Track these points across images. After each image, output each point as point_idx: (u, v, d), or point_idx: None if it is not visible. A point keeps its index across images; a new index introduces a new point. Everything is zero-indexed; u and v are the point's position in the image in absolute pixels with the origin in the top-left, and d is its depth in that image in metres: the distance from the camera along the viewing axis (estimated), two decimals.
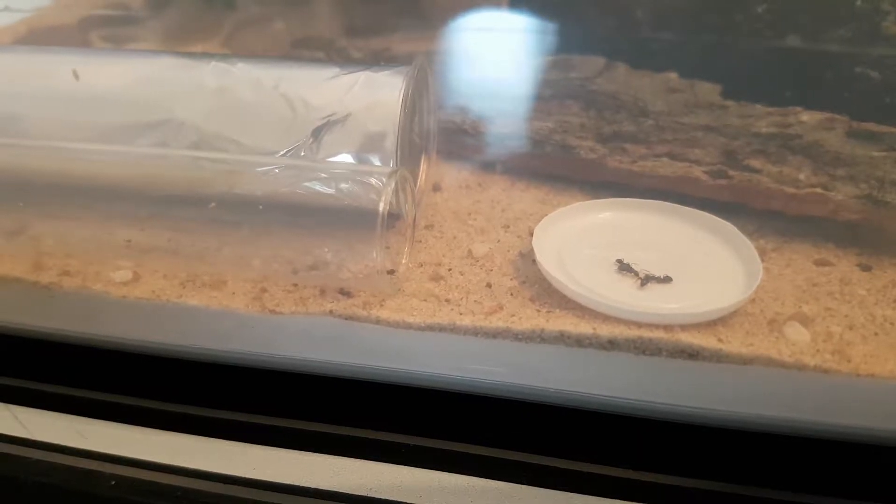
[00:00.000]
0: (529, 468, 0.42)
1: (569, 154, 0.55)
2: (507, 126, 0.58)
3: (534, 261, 0.45)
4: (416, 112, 0.53)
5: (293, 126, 0.47)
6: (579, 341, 0.41)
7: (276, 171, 0.44)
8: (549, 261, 0.44)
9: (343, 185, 0.42)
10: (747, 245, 0.45)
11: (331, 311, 0.43)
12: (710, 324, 0.41)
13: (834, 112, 0.52)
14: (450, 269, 0.47)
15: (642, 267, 0.44)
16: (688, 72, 0.57)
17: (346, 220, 0.42)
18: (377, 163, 0.47)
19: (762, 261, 0.44)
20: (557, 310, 0.43)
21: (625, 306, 0.41)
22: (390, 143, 0.47)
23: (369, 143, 0.47)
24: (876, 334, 0.41)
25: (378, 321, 0.43)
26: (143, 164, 0.47)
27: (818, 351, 0.40)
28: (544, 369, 0.43)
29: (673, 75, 0.58)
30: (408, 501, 0.41)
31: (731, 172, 0.51)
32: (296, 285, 0.45)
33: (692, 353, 0.40)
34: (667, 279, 0.44)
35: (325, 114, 0.47)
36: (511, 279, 0.46)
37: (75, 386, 0.48)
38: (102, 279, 0.47)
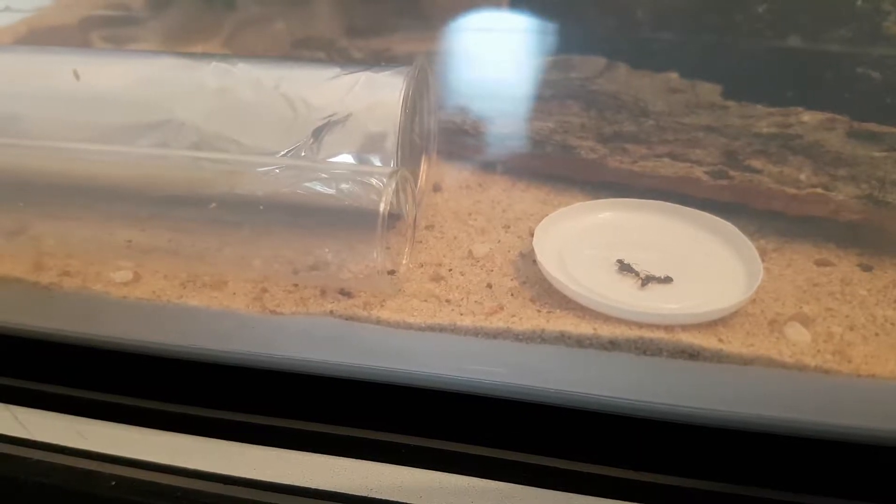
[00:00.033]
0: (529, 468, 0.42)
1: (569, 154, 0.55)
2: (508, 126, 0.58)
3: (534, 261, 0.45)
4: (416, 112, 0.53)
5: (294, 126, 0.47)
6: (580, 342, 0.41)
7: (277, 171, 0.44)
8: (550, 261, 0.44)
9: (344, 186, 0.42)
10: (748, 245, 0.45)
11: (331, 312, 0.43)
12: (711, 324, 0.41)
13: (835, 112, 0.52)
14: (450, 270, 0.47)
15: (643, 267, 0.44)
16: (688, 72, 0.57)
17: (346, 220, 0.42)
18: (378, 163, 0.47)
19: (763, 261, 0.44)
20: (558, 310, 0.43)
21: (625, 306, 0.41)
22: (391, 143, 0.46)
23: (370, 144, 0.47)
24: (877, 335, 0.41)
25: (378, 321, 0.43)
26: (144, 165, 0.47)
27: (819, 351, 0.40)
28: (545, 370, 0.43)
29: (674, 75, 0.58)
30: (408, 502, 0.41)
31: (731, 173, 0.51)
32: (296, 285, 0.45)
33: (693, 354, 0.40)
34: (667, 279, 0.43)
35: (325, 114, 0.47)
36: (512, 279, 0.46)
37: (75, 386, 0.48)
38: (103, 279, 0.47)
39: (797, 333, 0.41)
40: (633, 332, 0.41)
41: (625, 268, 0.44)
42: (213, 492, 0.42)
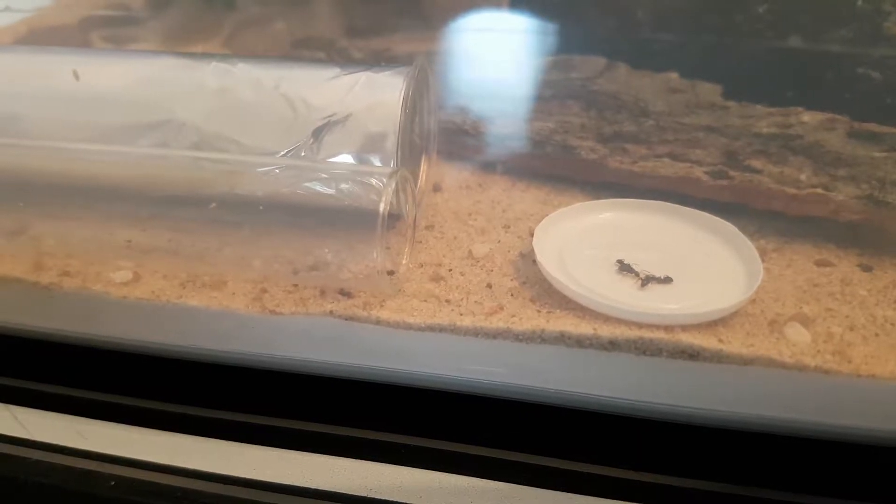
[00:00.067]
0: (529, 468, 0.42)
1: (569, 154, 0.55)
2: (508, 126, 0.58)
3: (534, 261, 0.45)
4: (416, 112, 0.53)
5: (294, 126, 0.47)
6: (580, 342, 0.41)
7: (277, 171, 0.44)
8: (550, 261, 0.44)
9: (343, 186, 0.42)
10: (748, 245, 0.45)
11: (331, 312, 0.43)
12: (711, 324, 0.41)
13: (835, 112, 0.52)
14: (450, 270, 0.47)
15: (643, 267, 0.44)
16: (689, 72, 0.57)
17: (346, 220, 0.42)
18: (378, 163, 0.47)
19: (763, 261, 0.44)
20: (558, 310, 0.43)
21: (625, 307, 0.41)
22: (391, 143, 0.46)
23: (370, 144, 0.47)
24: (877, 335, 0.41)
25: (378, 322, 0.43)
26: (144, 165, 0.47)
27: (819, 351, 0.40)
28: (545, 370, 0.43)
29: (674, 76, 0.58)
30: (407, 502, 0.41)
31: (731, 173, 0.51)
32: (296, 286, 0.45)
33: (693, 354, 0.40)
34: (667, 280, 0.43)
35: (325, 114, 0.47)
36: (511, 280, 0.46)
37: (75, 386, 0.48)
38: (102, 279, 0.47)
39: (797, 334, 0.41)
40: (633, 333, 0.40)
41: (625, 268, 0.44)
42: (213, 492, 0.42)
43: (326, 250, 0.43)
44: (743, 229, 0.46)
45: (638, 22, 0.61)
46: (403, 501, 0.41)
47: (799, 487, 0.41)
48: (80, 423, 0.46)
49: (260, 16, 0.74)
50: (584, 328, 0.41)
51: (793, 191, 0.49)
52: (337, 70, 0.49)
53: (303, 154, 0.47)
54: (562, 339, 0.41)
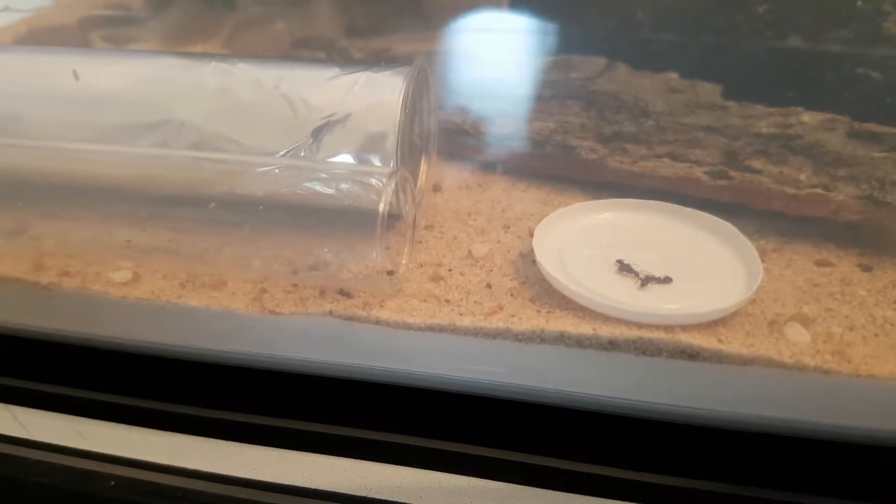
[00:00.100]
0: (529, 468, 0.42)
1: (569, 154, 0.55)
2: (508, 126, 0.58)
3: (534, 261, 0.45)
4: (416, 112, 0.53)
5: (293, 126, 0.47)
6: (579, 342, 0.41)
7: (277, 171, 0.44)
8: (550, 261, 0.44)
9: (343, 186, 0.42)
10: (748, 245, 0.45)
11: (331, 312, 0.43)
12: (711, 324, 0.41)
13: (835, 112, 0.52)
14: (450, 270, 0.47)
15: (643, 267, 0.44)
16: (689, 72, 0.57)
17: (346, 220, 0.42)
18: (377, 163, 0.47)
19: (763, 261, 0.44)
20: (558, 310, 0.43)
21: (625, 307, 0.41)
22: (391, 143, 0.46)
23: (370, 144, 0.47)
24: (876, 335, 0.41)
25: (378, 322, 0.43)
26: (144, 165, 0.47)
27: (818, 352, 0.40)
28: (544, 370, 0.43)
29: (674, 76, 0.58)
30: (407, 502, 0.41)
31: (731, 173, 0.51)
32: (296, 286, 0.45)
33: (692, 354, 0.40)
34: (667, 280, 0.43)
35: (325, 114, 0.47)
36: (511, 280, 0.46)
37: (75, 386, 0.48)
38: (102, 279, 0.47)
39: (797, 334, 0.41)
40: (633, 333, 0.41)
41: (624, 268, 0.44)
42: (213, 492, 0.42)
43: (326, 250, 0.43)
44: (743, 229, 0.46)
45: (638, 22, 0.61)
46: (403, 501, 0.41)
47: (799, 487, 0.41)
48: (80, 423, 0.46)
49: (260, 16, 0.74)
50: (584, 328, 0.41)
51: (793, 191, 0.49)
52: (337, 70, 0.49)
53: (302, 154, 0.47)
54: (561, 339, 0.41)
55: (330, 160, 0.47)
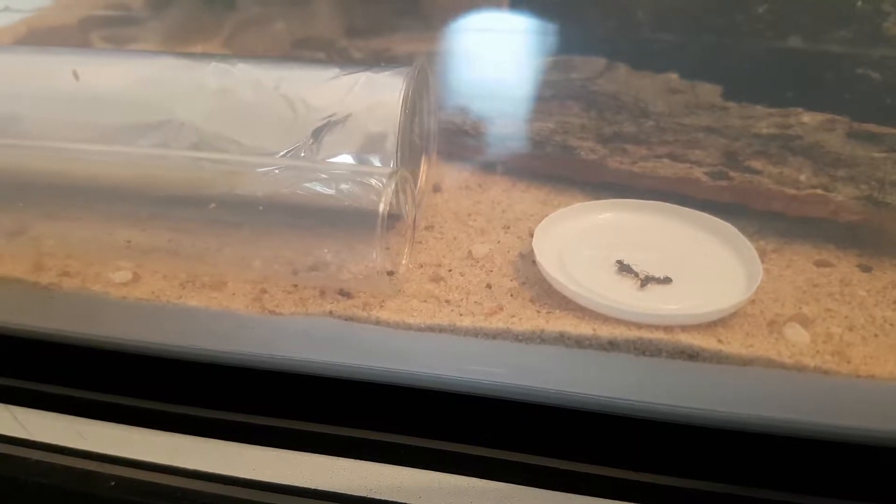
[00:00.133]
0: (529, 469, 0.42)
1: (569, 155, 0.55)
2: (508, 127, 0.58)
3: (534, 262, 0.45)
4: (416, 113, 0.53)
5: (294, 127, 0.47)
6: (579, 342, 0.41)
7: (277, 171, 0.44)
8: (550, 262, 0.44)
9: (343, 186, 0.42)
10: (747, 246, 0.45)
11: (331, 312, 0.43)
12: (710, 325, 0.41)
13: (835, 113, 0.52)
14: (450, 270, 0.47)
15: (642, 268, 0.44)
16: (689, 73, 0.57)
17: (346, 220, 0.42)
18: (377, 163, 0.47)
19: (762, 262, 0.44)
20: (557, 311, 0.43)
21: (625, 307, 0.41)
22: (391, 143, 0.46)
23: (370, 144, 0.47)
24: (876, 335, 0.41)
25: (378, 322, 0.43)
26: (144, 165, 0.47)
27: (818, 352, 0.40)
28: (544, 370, 0.43)
29: (674, 76, 0.58)
30: (408, 502, 0.41)
31: (731, 173, 0.51)
32: (296, 286, 0.45)
33: (692, 354, 0.40)
34: (667, 280, 0.44)
35: (325, 114, 0.47)
36: (511, 280, 0.46)
37: (75, 386, 0.48)
38: (102, 280, 0.47)
39: (796, 334, 0.41)
40: (633, 333, 0.41)
41: (624, 268, 0.44)
42: (213, 492, 0.42)
43: (326, 251, 0.43)
44: (742, 230, 0.46)
45: (638, 22, 0.61)
46: (403, 501, 0.41)
47: (798, 488, 0.41)
48: (80, 423, 0.46)
49: (260, 16, 0.74)
50: (584, 328, 0.41)
51: (792, 191, 0.49)
52: (337, 70, 0.49)
53: (302, 154, 0.47)
54: (561, 339, 0.41)
55: (330, 160, 0.47)
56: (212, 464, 0.43)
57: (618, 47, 0.60)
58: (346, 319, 0.43)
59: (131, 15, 0.77)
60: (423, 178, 0.56)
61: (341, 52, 0.67)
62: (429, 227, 0.51)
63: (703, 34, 0.59)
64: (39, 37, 0.71)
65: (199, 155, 0.47)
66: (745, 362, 0.40)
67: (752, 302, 0.43)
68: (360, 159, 0.47)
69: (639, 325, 0.41)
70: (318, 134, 0.47)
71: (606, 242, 0.47)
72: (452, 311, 0.43)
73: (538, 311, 0.43)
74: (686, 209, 0.49)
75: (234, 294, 0.45)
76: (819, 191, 0.48)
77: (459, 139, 0.58)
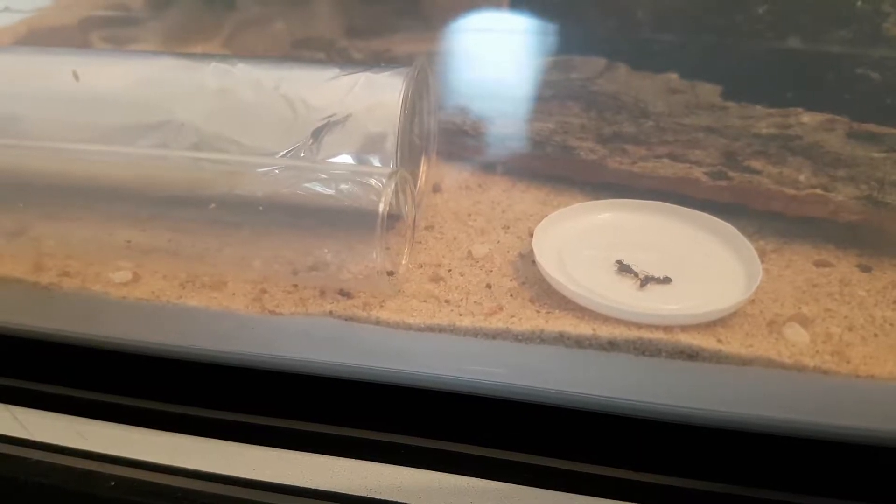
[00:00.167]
0: (529, 469, 0.42)
1: (569, 155, 0.55)
2: (508, 127, 0.58)
3: (534, 262, 0.45)
4: (416, 113, 0.53)
5: (293, 127, 0.47)
6: (579, 342, 0.41)
7: (277, 171, 0.44)
8: (549, 262, 0.44)
9: (343, 186, 0.42)
10: (747, 246, 0.45)
11: (331, 312, 0.43)
12: (710, 325, 0.41)
13: (834, 113, 0.52)
14: (450, 270, 0.47)
15: (642, 268, 0.44)
16: (688, 73, 0.57)
17: (346, 220, 0.42)
18: (377, 164, 0.47)
19: (762, 262, 0.44)
20: (557, 311, 0.43)
21: (624, 307, 0.41)
22: (390, 143, 0.47)
23: (369, 144, 0.47)
24: (875, 335, 0.41)
25: (378, 322, 0.43)
26: (144, 165, 0.47)
27: (817, 352, 0.40)
28: (544, 370, 0.43)
29: (674, 76, 0.58)
30: (407, 502, 0.41)
31: (731, 174, 0.51)
32: (296, 286, 0.45)
33: (692, 354, 0.40)
34: (666, 280, 0.44)
35: (325, 115, 0.47)
36: (511, 280, 0.46)
37: (75, 386, 0.48)
38: (102, 280, 0.47)
39: (796, 334, 0.41)
40: (632, 333, 0.41)
41: (624, 268, 0.44)
42: (213, 492, 0.42)
43: (326, 251, 0.43)
44: (742, 230, 0.46)
45: (638, 22, 0.61)
46: (403, 501, 0.41)
47: (798, 488, 0.41)
48: (80, 423, 0.46)
49: (260, 16, 0.74)
50: (584, 328, 0.41)
51: (792, 191, 0.49)
52: (336, 71, 0.49)
53: (302, 154, 0.47)
54: (561, 339, 0.41)
55: (330, 161, 0.47)
56: (212, 464, 0.43)
57: (618, 47, 0.60)
58: (346, 319, 0.43)
59: (131, 15, 0.77)
60: (423, 178, 0.56)
61: (341, 52, 0.67)
62: (429, 227, 0.51)
63: (703, 34, 0.59)
64: (39, 37, 0.71)
65: (199, 155, 0.47)
66: (744, 362, 0.40)
67: (751, 302, 0.43)
68: (360, 159, 0.47)
69: (638, 325, 0.41)
70: (318, 134, 0.47)
71: (606, 242, 0.47)
72: (452, 311, 0.43)
73: (538, 311, 0.43)
74: (686, 209, 0.49)
75: (234, 294, 0.45)
76: (819, 191, 0.48)
77: (459, 139, 0.58)
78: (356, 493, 0.41)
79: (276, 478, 0.42)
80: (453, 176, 0.58)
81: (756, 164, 0.51)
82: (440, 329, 0.42)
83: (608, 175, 0.54)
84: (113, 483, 0.42)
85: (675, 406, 0.42)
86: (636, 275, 0.44)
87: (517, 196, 0.55)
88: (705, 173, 0.51)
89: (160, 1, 0.76)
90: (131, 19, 0.77)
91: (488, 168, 0.58)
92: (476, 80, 0.62)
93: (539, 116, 0.57)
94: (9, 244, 0.47)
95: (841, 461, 0.42)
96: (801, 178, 0.49)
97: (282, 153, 0.47)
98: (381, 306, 0.43)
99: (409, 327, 0.43)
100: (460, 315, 0.43)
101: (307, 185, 0.43)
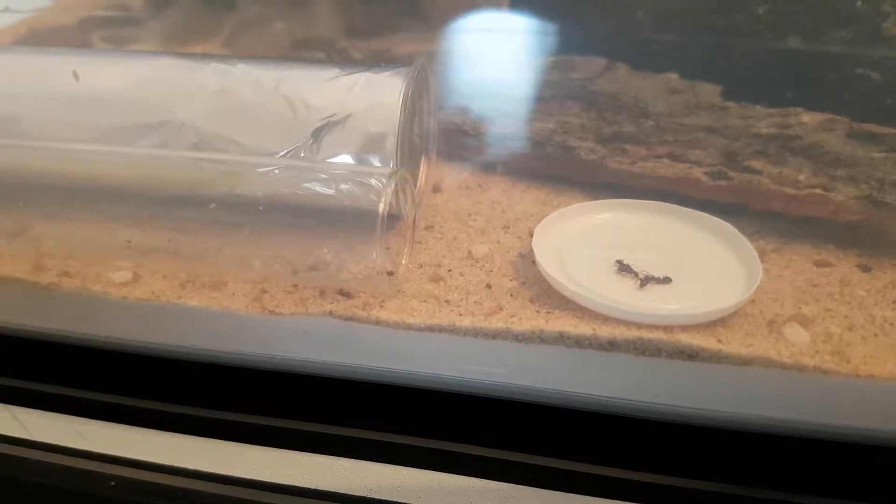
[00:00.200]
0: (529, 469, 0.42)
1: (569, 155, 0.55)
2: (508, 127, 0.58)
3: (534, 262, 0.45)
4: (416, 113, 0.53)
5: (293, 127, 0.47)
6: (579, 342, 0.41)
7: (277, 171, 0.44)
8: (549, 261, 0.44)
9: (343, 186, 0.42)
10: (747, 246, 0.45)
11: (331, 312, 0.43)
12: (710, 325, 0.41)
13: (834, 113, 0.52)
14: (450, 270, 0.47)
15: (642, 268, 0.44)
16: (688, 73, 0.57)
17: (346, 220, 0.42)
18: (377, 164, 0.47)
19: (762, 262, 0.44)
20: (557, 311, 0.43)
21: (624, 307, 0.41)
22: (390, 143, 0.47)
23: (369, 144, 0.47)
24: (875, 335, 0.41)
25: (378, 322, 0.43)
26: (144, 165, 0.47)
27: (817, 352, 0.40)
28: (544, 370, 0.43)
29: (674, 76, 0.58)
30: (407, 502, 0.41)
31: (731, 173, 0.51)
32: (296, 286, 0.45)
33: (692, 354, 0.40)
34: (666, 280, 0.44)
35: (325, 115, 0.47)
36: (511, 280, 0.46)
37: (75, 386, 0.48)
38: (102, 280, 0.47)
39: (796, 334, 0.41)
40: (632, 333, 0.41)
41: (624, 268, 0.44)
42: (213, 492, 0.42)
43: (326, 251, 0.43)
44: (742, 230, 0.46)
45: (638, 22, 0.61)
46: (403, 501, 0.41)
47: (798, 487, 0.41)
48: (80, 423, 0.46)
49: (260, 16, 0.74)
50: (584, 328, 0.41)
51: (792, 191, 0.49)
52: (336, 71, 0.49)
53: (302, 154, 0.47)
54: (561, 339, 0.41)
55: (330, 161, 0.47)
56: (212, 464, 0.43)
57: (618, 47, 0.60)
58: (346, 319, 0.43)
59: (131, 15, 0.77)
60: (423, 178, 0.56)
61: (341, 52, 0.67)
62: (429, 227, 0.51)
63: (703, 34, 0.59)
64: (39, 37, 0.71)
65: (199, 155, 0.47)
66: (744, 362, 0.40)
67: (751, 302, 0.43)
68: (360, 159, 0.47)
69: (638, 325, 0.41)
70: (317, 134, 0.47)
71: (606, 242, 0.47)
72: (452, 311, 0.43)
73: (538, 311, 0.43)
74: (686, 209, 0.49)
75: (234, 294, 0.45)
76: (819, 191, 0.48)
77: (459, 139, 0.58)
78: (356, 493, 0.41)
79: (276, 478, 0.42)
80: (453, 176, 0.58)
81: (756, 164, 0.51)
82: (440, 329, 0.42)
83: (608, 175, 0.54)
84: (113, 483, 0.42)
85: (675, 406, 0.42)
86: (636, 275, 0.44)
87: (517, 196, 0.55)
88: (705, 173, 0.51)
89: (160, 1, 0.76)
90: (131, 19, 0.77)
91: (488, 168, 0.58)
92: (476, 80, 0.62)
93: (539, 116, 0.57)
94: (9, 244, 0.48)
95: (841, 461, 0.42)
96: (801, 178, 0.49)
97: (282, 153, 0.47)
98: (381, 306, 0.43)
99: (409, 327, 0.43)
100: (460, 315, 0.43)
101: (307, 185, 0.43)
